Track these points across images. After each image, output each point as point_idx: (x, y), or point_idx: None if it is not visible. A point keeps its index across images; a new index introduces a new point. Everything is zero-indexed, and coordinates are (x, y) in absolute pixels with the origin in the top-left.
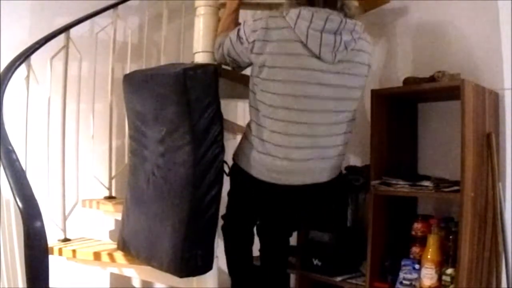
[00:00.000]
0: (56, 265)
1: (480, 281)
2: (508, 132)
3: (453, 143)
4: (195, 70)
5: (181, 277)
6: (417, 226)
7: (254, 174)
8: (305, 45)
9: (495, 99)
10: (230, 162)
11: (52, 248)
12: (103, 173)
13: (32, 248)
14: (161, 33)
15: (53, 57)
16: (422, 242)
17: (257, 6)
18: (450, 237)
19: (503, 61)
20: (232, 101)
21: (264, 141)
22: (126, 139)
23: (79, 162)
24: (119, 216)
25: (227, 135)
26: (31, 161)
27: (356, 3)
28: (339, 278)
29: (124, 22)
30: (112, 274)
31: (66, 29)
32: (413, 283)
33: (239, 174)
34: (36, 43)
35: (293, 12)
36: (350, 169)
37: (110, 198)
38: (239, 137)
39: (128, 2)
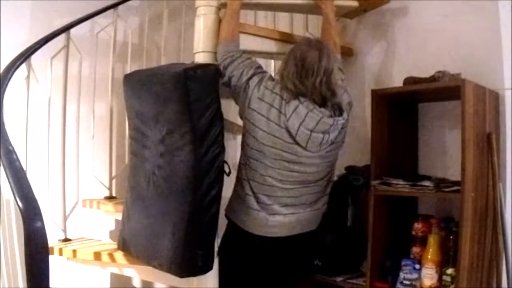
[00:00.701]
0: (57, 265)
1: (480, 281)
2: (508, 132)
3: (453, 143)
4: (195, 70)
5: (181, 277)
6: (418, 226)
7: (248, 229)
8: (293, 137)
9: (496, 99)
10: (231, 163)
11: (52, 248)
12: (104, 173)
13: (32, 248)
14: (162, 33)
15: (53, 57)
16: (423, 242)
17: (258, 6)
18: (451, 237)
19: (503, 61)
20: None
21: (256, 198)
22: (127, 139)
23: (79, 162)
24: (119, 216)
25: (227, 135)
26: (32, 161)
27: (337, 68)
28: (339, 278)
29: (124, 22)
30: (112, 274)
31: (66, 29)
32: (414, 283)
33: (233, 229)
34: (37, 43)
35: (293, 104)
36: (350, 169)
37: (110, 198)
38: (239, 137)
39: (128, 2)
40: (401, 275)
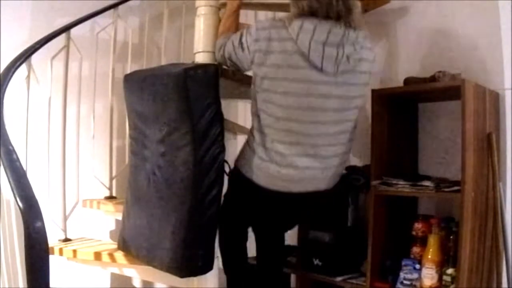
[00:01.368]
0: (57, 265)
1: (480, 281)
2: (508, 132)
3: (453, 143)
4: (195, 70)
5: (181, 277)
6: (418, 226)
7: (256, 181)
8: (307, 58)
9: (496, 99)
10: (231, 162)
11: (52, 248)
12: (104, 173)
13: (32, 248)
14: (162, 33)
15: (53, 57)
16: (423, 242)
17: (258, 6)
18: (451, 237)
19: (503, 61)
20: (232, 101)
21: (268, 149)
22: (127, 139)
23: (79, 162)
24: (119, 216)
25: (227, 135)
26: (32, 161)
27: (359, 14)
28: (339, 278)
29: (124, 22)
30: (112, 274)
31: (66, 29)
32: (414, 283)
33: (240, 180)
34: (37, 43)
35: (296, 24)
36: (351, 169)
37: (110, 198)
38: (239, 137)
39: (128, 2)
40: (401, 275)
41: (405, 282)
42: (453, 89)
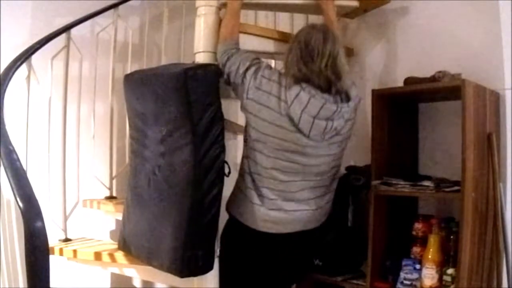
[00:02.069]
0: (57, 265)
1: (480, 281)
2: (508, 132)
3: (453, 143)
4: (195, 70)
5: (181, 277)
6: (418, 226)
7: (249, 225)
8: (296, 124)
9: (496, 99)
10: (231, 163)
11: (53, 248)
12: (104, 173)
13: (32, 248)
14: (162, 33)
15: (53, 57)
16: (423, 242)
17: (258, 6)
18: (451, 237)
19: (503, 61)
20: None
21: (259, 193)
22: (127, 139)
23: (80, 162)
24: (119, 216)
25: (228, 135)
26: (32, 161)
27: (347, 73)
28: (340, 278)
29: (124, 22)
30: (112, 274)
31: (66, 29)
32: (414, 283)
33: (234, 225)
34: (37, 43)
35: (294, 90)
36: (351, 169)
37: (111, 198)
38: (239, 137)
39: (129, 2)
40: (402, 275)
41: (405, 282)
42: (453, 89)
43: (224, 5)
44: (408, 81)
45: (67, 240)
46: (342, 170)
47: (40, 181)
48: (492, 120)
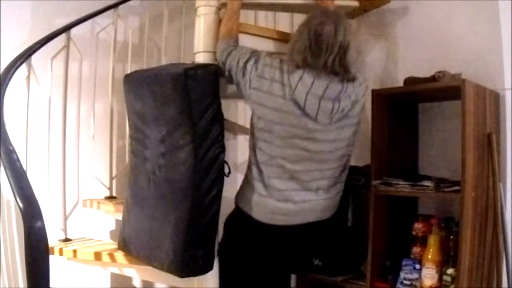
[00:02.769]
0: (57, 265)
1: (480, 281)
2: (508, 132)
3: (453, 143)
4: (195, 70)
5: (181, 277)
6: (418, 226)
7: (256, 217)
8: (302, 108)
9: (496, 99)
10: (231, 163)
11: (52, 248)
12: (104, 173)
13: (32, 248)
14: (162, 33)
15: (53, 57)
16: (423, 242)
17: (258, 6)
18: (451, 237)
19: (503, 61)
20: (232, 101)
21: (266, 184)
22: (127, 139)
23: (79, 162)
24: (119, 216)
25: (227, 135)
26: (32, 161)
27: (354, 63)
28: (339, 278)
29: (124, 22)
30: (112, 274)
31: (66, 29)
32: (414, 283)
33: (240, 217)
34: (37, 43)
35: (297, 74)
36: (351, 169)
37: (110, 198)
38: (239, 137)
39: (128, 2)
40: (402, 275)
41: (405, 282)
42: (453, 89)
43: (224, 5)
44: (408, 81)
45: (67, 240)
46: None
47: (40, 181)
48: (492, 120)
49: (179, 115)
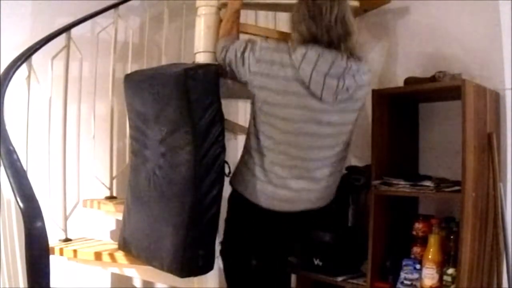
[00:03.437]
0: (57, 265)
1: (481, 281)
2: (509, 132)
3: (454, 143)
4: (196, 70)
5: (182, 277)
6: (418, 226)
7: (254, 201)
8: (307, 86)
9: (496, 99)
10: (231, 163)
11: (53, 248)
12: (104, 173)
13: (33, 248)
14: (162, 33)
15: (54, 57)
16: (423, 242)
17: (258, 6)
18: (451, 237)
19: (504, 61)
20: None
21: (266, 170)
22: (127, 139)
23: (80, 162)
24: (120, 216)
25: (228, 135)
26: (32, 161)
27: (359, 44)
28: (340, 278)
29: (125, 22)
30: (113, 274)
31: (67, 29)
32: (414, 283)
33: (238, 201)
34: (37, 43)
35: (299, 51)
36: (351, 169)
37: (111, 198)
38: (240, 137)
39: (129, 2)
40: (402, 275)
41: (405, 282)
42: (453, 89)
43: (224, 5)
44: (408, 81)
45: (67, 240)
46: (343, 171)
47: (40, 181)
48: (492, 120)
49: (180, 115)
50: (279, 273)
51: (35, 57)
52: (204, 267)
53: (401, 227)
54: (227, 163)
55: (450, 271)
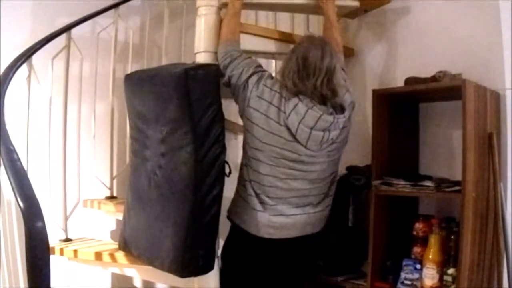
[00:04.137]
0: (58, 265)
1: (481, 281)
2: (509, 132)
3: (454, 143)
4: (196, 70)
5: (182, 277)
6: (419, 226)
7: (252, 231)
8: (293, 135)
9: (497, 99)
10: (232, 163)
11: (53, 248)
12: (105, 173)
13: (33, 248)
14: (163, 33)
15: (54, 57)
16: (424, 242)
17: (258, 6)
18: (452, 237)
19: (504, 61)
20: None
21: (260, 199)
22: (128, 139)
23: (80, 162)
24: (120, 216)
25: (228, 135)
26: (33, 161)
27: (343, 86)
28: (340, 278)
29: (125, 22)
30: (113, 274)
31: (67, 29)
32: (415, 283)
33: (236, 232)
34: (38, 43)
35: (292, 102)
36: (352, 169)
37: (111, 198)
38: (240, 137)
39: (129, 2)
40: (402, 275)
41: (406, 282)
42: (453, 89)
43: (224, 5)
44: (409, 81)
45: (67, 240)
46: (343, 171)
47: (41, 181)
48: (492, 120)
49: (180, 115)
50: None
51: (36, 57)
52: (204, 267)
53: (401, 227)
54: (227, 163)
55: (451, 271)
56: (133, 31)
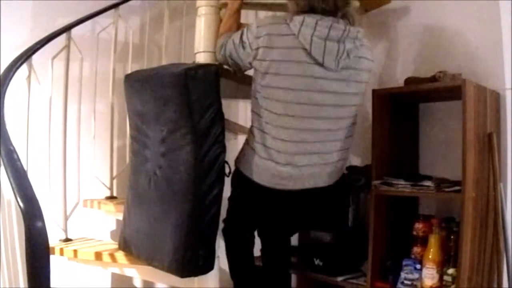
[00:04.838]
0: (57, 265)
1: (481, 281)
2: (509, 132)
3: (454, 143)
4: (196, 70)
5: (182, 277)
6: (419, 226)
7: (256, 180)
8: (308, 53)
9: (496, 99)
10: (231, 163)
11: (53, 248)
12: (104, 173)
13: (33, 248)
14: (163, 33)
15: (54, 57)
16: (423, 242)
17: (258, 6)
18: (452, 237)
19: (504, 61)
20: (233, 101)
21: (267, 147)
22: (128, 139)
23: (80, 162)
24: (120, 216)
25: (228, 135)
26: (33, 161)
27: (356, 12)
28: (340, 278)
29: (125, 22)
30: (113, 274)
31: (67, 29)
32: (414, 283)
33: (241, 180)
34: (38, 43)
35: (297, 19)
36: (352, 169)
37: (111, 198)
38: (240, 137)
39: (129, 2)
40: (402, 275)
41: (405, 282)
42: (453, 89)
43: (224, 5)
44: (409, 81)
45: (67, 240)
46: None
47: (41, 181)
48: (492, 120)
49: (180, 115)
50: (280, 256)
51: (36, 57)
52: (205, 267)
53: (401, 227)
54: (227, 163)
55: (450, 271)
56: (133, 31)
